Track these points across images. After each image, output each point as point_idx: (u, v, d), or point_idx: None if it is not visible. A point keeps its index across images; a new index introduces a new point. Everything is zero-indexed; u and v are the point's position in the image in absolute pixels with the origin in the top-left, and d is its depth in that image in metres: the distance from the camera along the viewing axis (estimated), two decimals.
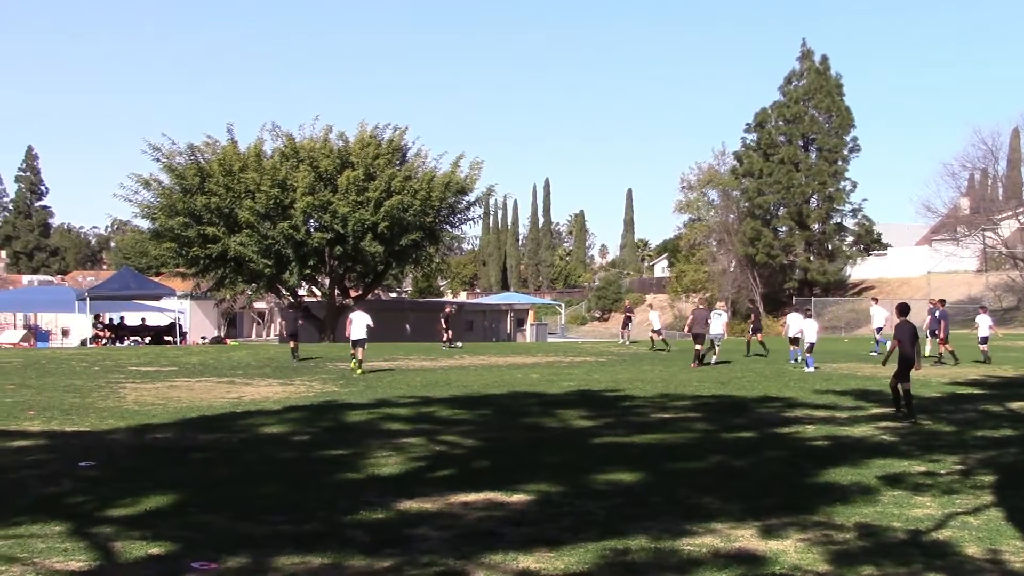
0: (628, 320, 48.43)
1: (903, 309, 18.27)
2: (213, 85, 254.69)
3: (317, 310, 59.49)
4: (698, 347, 31.45)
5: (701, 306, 34.95)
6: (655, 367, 30.37)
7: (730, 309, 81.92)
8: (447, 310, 47.00)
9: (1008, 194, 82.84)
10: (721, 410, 18.96)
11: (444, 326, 44.43)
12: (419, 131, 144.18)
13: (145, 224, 58.69)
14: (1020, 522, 9.35)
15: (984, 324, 33.82)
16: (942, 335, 31.61)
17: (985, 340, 33.41)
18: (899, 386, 17.68)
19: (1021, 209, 78.12)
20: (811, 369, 28.75)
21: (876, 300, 41.29)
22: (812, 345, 29.49)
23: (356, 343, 29.14)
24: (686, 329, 34.79)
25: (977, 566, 7.92)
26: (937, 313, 32.16)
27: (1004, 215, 76.37)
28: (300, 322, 35.72)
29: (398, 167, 56.83)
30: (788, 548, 8.40)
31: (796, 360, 30.26)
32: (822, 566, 7.87)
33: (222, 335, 65.09)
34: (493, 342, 62.08)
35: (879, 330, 37.22)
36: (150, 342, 53.13)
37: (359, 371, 28.53)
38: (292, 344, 35.70)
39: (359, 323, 29.34)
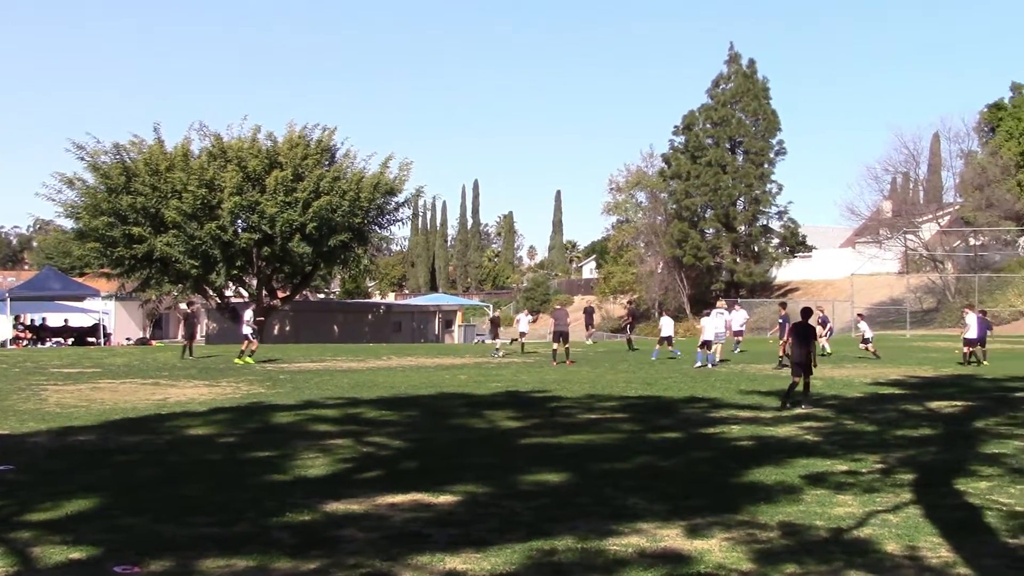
0: (633, 323, 48.18)
1: (805, 312, 20.38)
2: (139, 84, 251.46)
3: (244, 311, 58.94)
4: (555, 346, 33.53)
5: (558, 307, 36.50)
6: (582, 368, 30.50)
7: (659, 311, 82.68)
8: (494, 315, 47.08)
9: (929, 197, 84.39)
10: (647, 411, 19.08)
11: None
12: (348, 132, 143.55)
13: (69, 224, 58.04)
14: (938, 519, 9.53)
15: (865, 328, 37.38)
16: (784, 337, 32.10)
17: (868, 341, 36.14)
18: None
19: (941, 212, 79.58)
20: (698, 364, 30.14)
21: (739, 303, 42.73)
22: (707, 342, 30.82)
23: (254, 335, 34.55)
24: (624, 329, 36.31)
25: (896, 563, 8.05)
26: (780, 317, 32.94)
27: (925, 218, 77.73)
28: (196, 324, 37.65)
29: (327, 168, 56.64)
30: (713, 547, 8.47)
31: (706, 364, 30.49)
32: (746, 565, 7.95)
33: (147, 336, 64.30)
34: (421, 343, 61.96)
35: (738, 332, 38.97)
36: (73, 343, 52.40)
37: (249, 360, 32.97)
38: (187, 343, 37.38)
39: (251, 318, 35.08)
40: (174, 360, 34.39)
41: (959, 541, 8.70)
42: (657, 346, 35.37)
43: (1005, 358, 34.08)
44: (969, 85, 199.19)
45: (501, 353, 38.42)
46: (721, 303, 36.85)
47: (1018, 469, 12.38)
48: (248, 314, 35.07)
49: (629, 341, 43.18)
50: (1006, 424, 16.84)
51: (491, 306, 52.44)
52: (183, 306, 44.77)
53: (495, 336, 42.67)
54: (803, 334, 19.92)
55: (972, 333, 32.66)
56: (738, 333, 38.13)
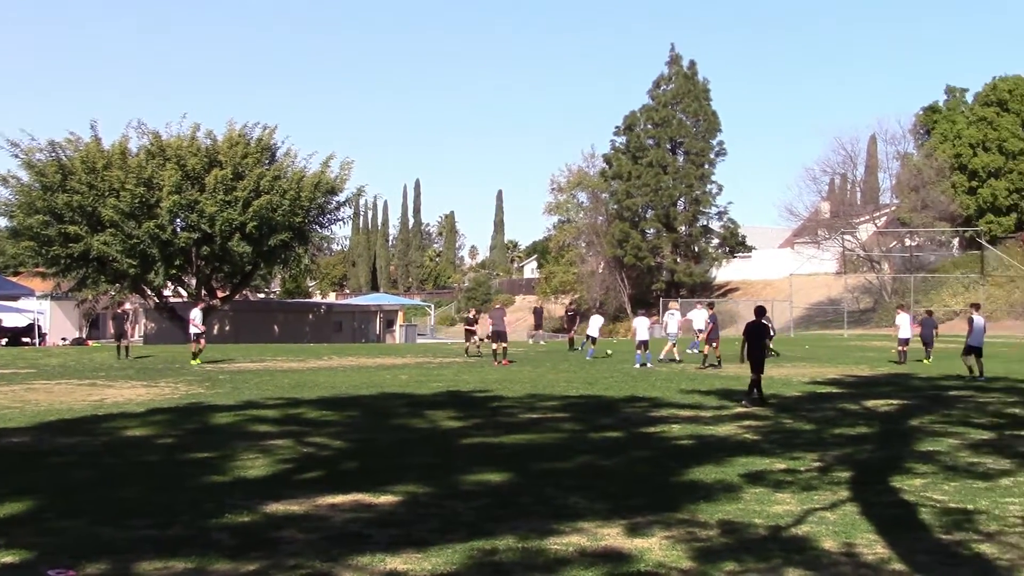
0: (573, 320, 48.16)
1: (758, 311, 21.59)
2: (75, 81, 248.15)
3: (183, 311, 58.45)
4: (494, 346, 33.50)
5: (497, 306, 36.73)
6: (523, 368, 30.54)
7: (597, 310, 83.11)
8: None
9: (866, 198, 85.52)
10: (589, 410, 19.14)
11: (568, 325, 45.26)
12: (289, 131, 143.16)
13: (2, 222, 57.28)
14: (874, 516, 9.65)
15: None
16: (705, 336, 32.48)
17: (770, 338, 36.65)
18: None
19: (878, 213, 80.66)
20: (638, 365, 30.35)
21: (700, 304, 42.77)
22: (643, 343, 30.86)
23: (198, 336, 33.59)
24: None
25: (833, 559, 8.14)
26: (708, 316, 33.24)
27: (862, 219, 78.77)
28: (127, 325, 37.24)
29: (267, 166, 56.26)
30: (653, 546, 8.52)
31: (645, 364, 30.72)
32: (686, 563, 8.00)
33: (83, 336, 63.52)
34: (362, 343, 61.75)
35: (700, 331, 38.89)
36: (7, 344, 51.67)
37: (195, 361, 32.50)
38: (119, 344, 36.68)
39: (199, 319, 33.92)
40: (111, 360, 34.02)
41: (894, 537, 8.82)
42: (591, 346, 35.88)
43: (939, 357, 34.53)
44: (905, 88, 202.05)
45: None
46: (674, 304, 37.23)
47: (952, 466, 12.57)
48: (196, 313, 34.29)
49: (571, 341, 43.46)
50: (940, 422, 17.09)
51: (423, 304, 52.12)
52: (127, 305, 44.28)
53: (471, 337, 40.39)
54: (756, 333, 20.78)
55: (905, 333, 33.30)
56: (701, 331, 38.23)
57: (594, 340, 36.00)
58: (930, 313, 37.20)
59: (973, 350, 26.16)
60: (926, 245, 74.88)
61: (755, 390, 20.19)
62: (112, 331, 37.56)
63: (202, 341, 33.99)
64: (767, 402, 19.96)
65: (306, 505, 10.12)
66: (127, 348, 36.31)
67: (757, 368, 20.38)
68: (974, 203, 73.05)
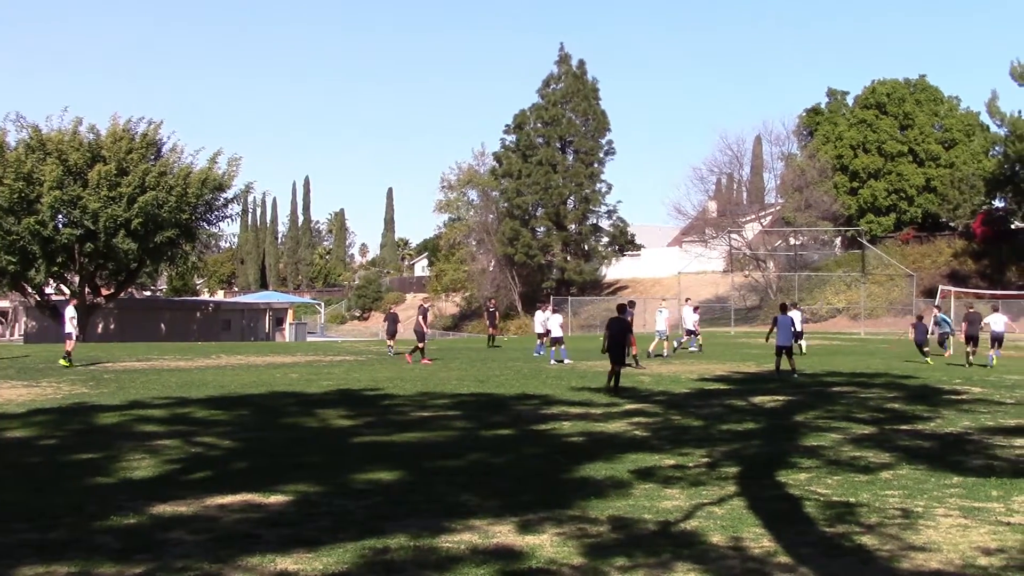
0: (494, 316, 47.61)
1: (620, 308, 23.90)
2: None
3: (65, 308, 57.20)
4: (420, 345, 32.84)
5: (425, 305, 36.78)
6: (415, 366, 30.46)
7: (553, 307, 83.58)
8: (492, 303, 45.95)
9: (751, 198, 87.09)
10: (480, 408, 19.16)
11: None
12: (175, 126, 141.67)
13: None
14: (760, 510, 9.82)
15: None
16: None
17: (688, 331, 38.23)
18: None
19: (763, 213, 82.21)
20: (553, 362, 31.15)
21: (688, 300, 42.50)
22: (558, 339, 32.18)
23: (69, 334, 31.32)
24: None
25: (721, 553, 8.27)
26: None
27: (748, 218, 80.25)
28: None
29: (152, 162, 55.34)
30: (544, 543, 8.56)
31: (546, 357, 31.47)
32: (577, 559, 8.05)
33: None
34: (252, 341, 61.05)
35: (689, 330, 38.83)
36: None
37: (64, 362, 30.20)
38: None
39: (74, 315, 32.22)
40: None
41: (780, 531, 8.99)
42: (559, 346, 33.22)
43: (823, 353, 35.32)
44: (789, 90, 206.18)
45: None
46: (664, 303, 38.21)
47: (835, 461, 12.85)
48: (71, 310, 32.46)
49: (491, 337, 43.77)
50: (824, 417, 17.46)
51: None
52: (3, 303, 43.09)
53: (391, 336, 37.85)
54: (616, 327, 22.21)
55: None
56: (690, 332, 38.06)
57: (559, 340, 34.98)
58: (921, 318, 35.13)
59: (783, 349, 26.53)
60: (810, 244, 76.51)
61: (613, 380, 21.64)
62: None
63: (69, 342, 31.21)
64: (620, 393, 21.16)
65: (194, 506, 9.97)
66: None
67: (617, 360, 21.70)
68: (855, 203, 74.86)
